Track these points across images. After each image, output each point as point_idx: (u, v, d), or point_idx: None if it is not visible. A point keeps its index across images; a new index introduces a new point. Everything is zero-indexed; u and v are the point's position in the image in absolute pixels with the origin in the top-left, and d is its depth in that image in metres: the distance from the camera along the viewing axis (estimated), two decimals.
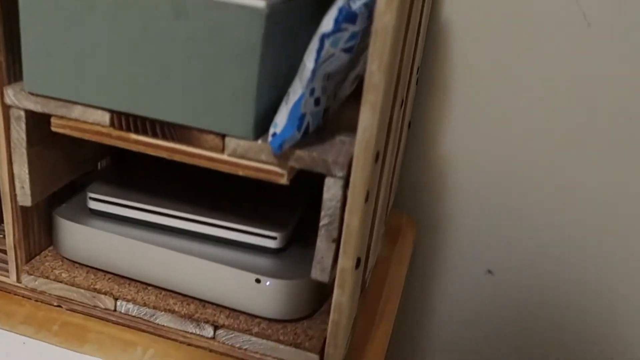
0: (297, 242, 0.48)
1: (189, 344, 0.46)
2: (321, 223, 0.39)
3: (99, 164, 0.56)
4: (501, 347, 0.78)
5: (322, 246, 0.40)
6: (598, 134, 0.66)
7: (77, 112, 0.40)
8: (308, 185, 0.55)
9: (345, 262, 0.40)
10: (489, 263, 0.74)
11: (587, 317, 0.74)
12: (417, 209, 0.74)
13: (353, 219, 0.39)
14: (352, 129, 0.38)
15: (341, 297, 0.41)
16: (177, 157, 0.40)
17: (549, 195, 0.70)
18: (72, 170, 0.49)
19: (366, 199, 0.39)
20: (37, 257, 0.49)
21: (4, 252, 0.47)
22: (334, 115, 0.44)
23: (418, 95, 0.70)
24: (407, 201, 0.74)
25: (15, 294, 0.48)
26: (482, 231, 0.73)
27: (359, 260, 0.42)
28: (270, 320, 0.45)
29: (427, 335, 0.80)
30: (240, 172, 0.39)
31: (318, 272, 0.41)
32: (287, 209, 0.49)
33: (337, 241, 0.40)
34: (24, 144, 0.42)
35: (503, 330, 0.77)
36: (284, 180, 0.38)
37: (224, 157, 0.39)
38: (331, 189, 0.38)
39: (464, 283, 0.76)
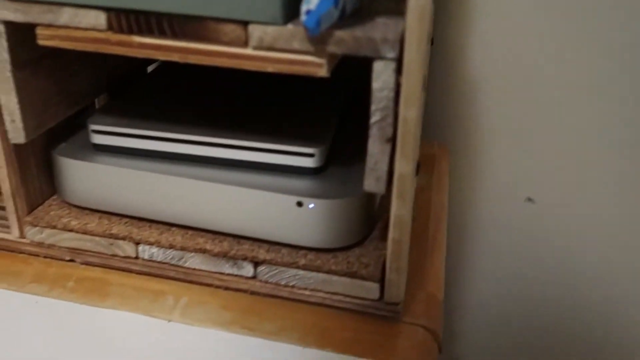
0: (337, 159, 0.41)
1: (227, 288, 0.40)
2: (372, 120, 0.33)
3: (96, 101, 0.49)
4: (541, 276, 0.72)
5: (375, 149, 0.33)
6: None
7: (65, 16, 0.33)
8: (341, 91, 0.48)
9: (404, 166, 0.33)
10: (529, 190, 0.68)
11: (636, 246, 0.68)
12: (446, 137, 0.67)
13: (410, 111, 0.32)
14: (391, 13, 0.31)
15: (401, 210, 0.35)
16: (191, 59, 0.33)
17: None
18: (68, 104, 0.42)
19: (423, 86, 0.33)
20: (40, 207, 0.42)
21: (3, 208, 0.41)
22: (369, 3, 0.37)
23: (438, 8, 0.63)
24: (435, 129, 0.67)
25: (20, 252, 0.42)
26: (520, 156, 0.66)
27: (418, 164, 0.35)
28: (317, 250, 0.39)
29: (466, 264, 0.74)
30: (270, 68, 0.32)
31: (372, 182, 0.34)
32: (322, 121, 0.42)
33: (393, 141, 0.33)
34: (8, 66, 0.36)
35: (544, 258, 0.71)
36: (323, 72, 0.32)
37: (248, 51, 0.32)
38: (381, 76, 0.32)
39: (503, 211, 0.69)
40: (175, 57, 0.33)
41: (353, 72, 0.48)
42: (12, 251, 0.42)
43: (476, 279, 0.75)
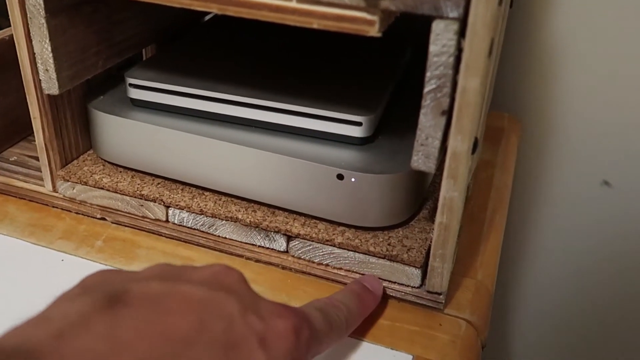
0: (387, 130, 0.38)
1: (257, 260, 0.38)
2: (426, 89, 0.29)
3: (143, 52, 0.47)
4: (612, 269, 0.66)
5: (427, 122, 0.30)
6: None
7: None
8: (401, 54, 0.44)
9: (459, 143, 0.29)
10: (606, 173, 0.62)
11: None
12: (518, 109, 0.62)
13: (471, 81, 0.28)
14: None
15: (452, 192, 0.31)
16: (230, 11, 0.30)
17: None
18: (109, 55, 0.40)
19: (489, 52, 0.28)
20: (75, 161, 0.41)
21: (37, 158, 0.40)
22: None
23: None
24: (506, 100, 0.62)
25: (53, 206, 0.41)
26: (599, 135, 0.60)
27: (475, 141, 0.31)
28: (356, 228, 0.36)
29: (532, 248, 0.69)
30: (315, 24, 0.29)
31: (421, 159, 0.31)
32: (374, 87, 0.39)
33: (449, 114, 0.29)
34: (42, 11, 0.34)
35: (618, 249, 0.65)
36: (374, 31, 0.28)
37: (292, 4, 0.29)
38: (440, 38, 0.28)
39: (576, 194, 0.64)
40: (213, 8, 0.30)
41: (416, 32, 0.44)
42: (46, 204, 0.41)
43: (536, 269, 0.69)
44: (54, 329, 0.20)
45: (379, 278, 0.35)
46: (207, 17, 0.54)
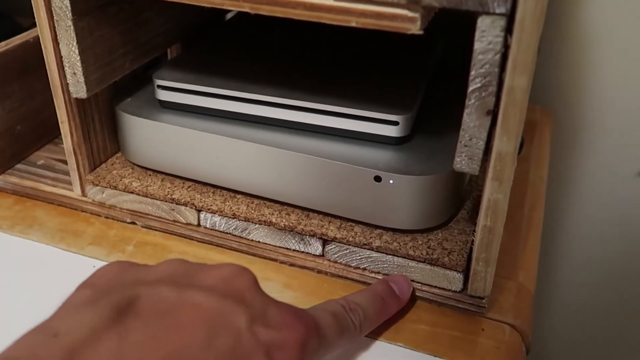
0: (423, 128, 0.36)
1: (292, 264, 0.37)
2: (470, 88, 0.28)
3: (168, 52, 0.46)
4: None
5: (471, 122, 0.28)
6: None
7: None
8: (431, 50, 0.43)
9: (505, 143, 0.28)
10: None
11: None
12: (549, 101, 0.60)
13: (519, 79, 0.27)
14: None
15: (497, 194, 0.30)
16: (264, 10, 0.29)
17: None
18: (135, 56, 0.39)
19: (538, 49, 0.27)
20: (103, 165, 0.40)
21: (66, 163, 0.39)
22: None
23: None
24: (538, 92, 0.60)
25: (82, 211, 0.40)
26: (633, 126, 0.59)
27: (522, 141, 0.30)
28: (394, 230, 0.35)
29: (558, 247, 0.67)
30: (353, 23, 0.28)
31: (465, 161, 0.30)
32: (408, 84, 0.37)
33: (494, 114, 0.28)
34: (69, 14, 0.33)
35: None
36: (415, 28, 0.27)
37: (329, 2, 0.28)
38: (486, 35, 0.26)
39: (610, 186, 0.62)
40: (245, 8, 0.29)
41: (446, 27, 0.42)
42: (75, 209, 0.41)
43: (568, 265, 0.68)
44: (65, 345, 0.20)
45: (415, 281, 0.34)
46: (229, 15, 0.52)
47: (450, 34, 0.43)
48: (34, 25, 0.34)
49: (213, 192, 0.38)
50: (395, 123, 0.34)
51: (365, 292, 0.32)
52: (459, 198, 0.37)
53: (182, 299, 0.23)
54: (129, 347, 0.21)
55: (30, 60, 0.41)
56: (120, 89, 0.40)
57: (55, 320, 0.22)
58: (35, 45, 0.41)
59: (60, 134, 0.38)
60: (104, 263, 0.36)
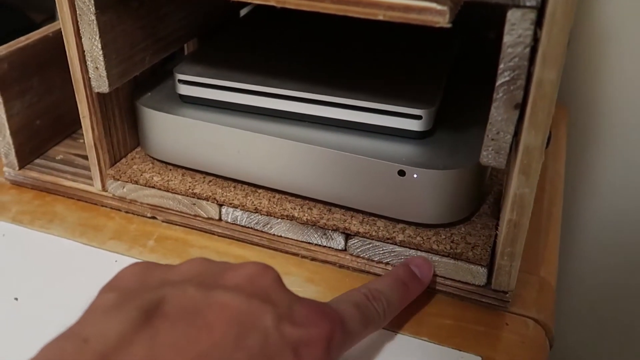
0: (446, 122, 0.36)
1: (313, 259, 0.37)
2: (498, 81, 0.27)
3: (185, 46, 0.46)
4: None
5: (499, 115, 0.28)
6: None
7: None
8: (452, 42, 0.42)
9: (534, 137, 0.28)
10: None
11: None
12: (565, 96, 0.60)
13: (549, 73, 0.27)
14: None
15: (524, 188, 0.30)
16: (290, 4, 0.29)
17: None
18: (155, 50, 0.39)
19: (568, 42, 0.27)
20: (123, 159, 0.40)
21: (85, 157, 0.39)
22: None
23: None
24: None
25: (102, 205, 0.41)
26: None
27: (550, 135, 0.30)
28: (417, 225, 0.35)
29: (581, 237, 0.67)
30: (380, 16, 0.28)
31: (491, 154, 0.29)
32: (430, 78, 0.37)
33: (521, 107, 0.28)
34: (92, 8, 0.33)
35: None
36: (444, 21, 0.27)
37: None
38: (517, 28, 0.26)
39: (627, 180, 0.61)
40: (271, 1, 0.29)
41: (467, 19, 0.42)
42: (95, 204, 0.41)
43: (586, 260, 0.67)
44: (97, 351, 0.21)
45: (438, 275, 0.34)
46: (246, 9, 0.52)
47: (468, 27, 0.43)
48: (46, 20, 0.34)
49: (234, 187, 0.38)
50: (418, 117, 0.34)
51: (386, 278, 0.31)
52: (482, 192, 0.37)
53: (208, 299, 0.23)
54: (160, 349, 0.21)
55: (50, 55, 0.41)
56: (140, 84, 0.40)
57: (84, 325, 0.22)
58: (54, 40, 0.41)
59: (78, 128, 0.38)
60: (126, 257, 0.37)
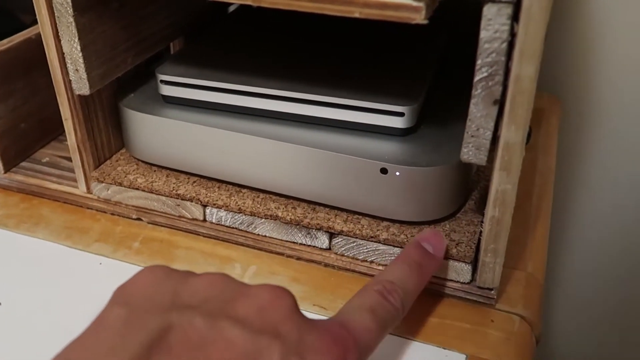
0: (429, 119, 0.36)
1: (298, 258, 0.37)
2: (476, 77, 0.27)
3: (171, 46, 0.46)
4: None
5: (478, 112, 0.28)
6: None
7: None
8: (436, 39, 0.42)
9: (513, 133, 0.28)
10: None
11: None
12: (557, 88, 0.59)
13: (527, 68, 0.26)
14: None
15: (505, 184, 0.29)
16: (266, 3, 0.29)
17: None
18: (137, 51, 0.39)
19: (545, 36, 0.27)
20: (108, 161, 0.40)
21: (69, 159, 0.39)
22: None
23: None
24: (545, 78, 0.59)
25: (88, 208, 0.40)
26: None
27: (530, 131, 0.30)
28: (401, 223, 0.35)
29: (567, 237, 0.67)
30: (357, 14, 0.27)
31: (472, 151, 0.29)
32: (413, 75, 0.37)
33: (500, 103, 0.28)
34: (70, 10, 0.33)
35: None
36: (420, 18, 0.26)
37: None
38: (493, 23, 0.26)
39: (619, 173, 0.61)
40: (248, 0, 0.29)
41: (451, 16, 0.42)
42: (80, 206, 0.41)
43: (577, 255, 0.67)
44: None
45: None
46: (231, 9, 0.52)
47: (454, 23, 0.43)
48: (35, 22, 0.34)
49: (218, 187, 0.37)
50: (401, 114, 0.34)
51: (399, 263, 0.30)
52: (466, 189, 0.36)
53: (215, 332, 0.22)
54: None
55: (34, 57, 0.41)
56: (123, 85, 0.40)
57: (87, 351, 0.22)
58: (38, 42, 0.41)
59: (64, 130, 0.37)
60: (111, 260, 0.37)
